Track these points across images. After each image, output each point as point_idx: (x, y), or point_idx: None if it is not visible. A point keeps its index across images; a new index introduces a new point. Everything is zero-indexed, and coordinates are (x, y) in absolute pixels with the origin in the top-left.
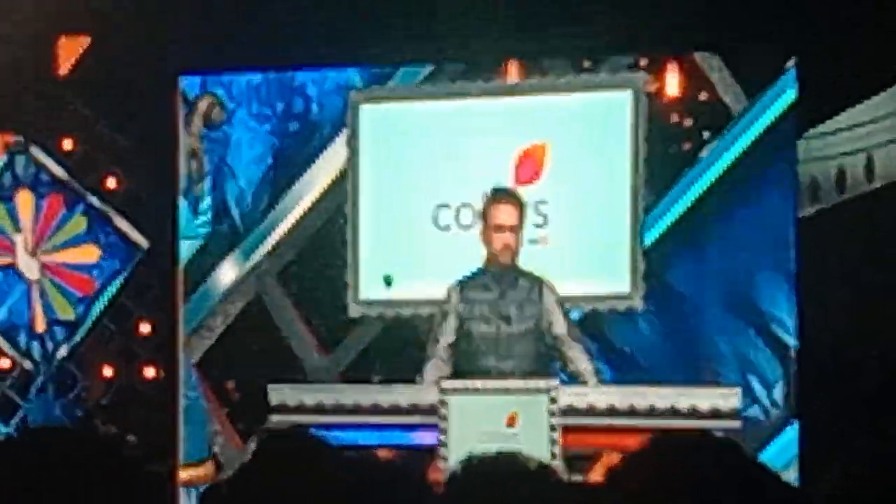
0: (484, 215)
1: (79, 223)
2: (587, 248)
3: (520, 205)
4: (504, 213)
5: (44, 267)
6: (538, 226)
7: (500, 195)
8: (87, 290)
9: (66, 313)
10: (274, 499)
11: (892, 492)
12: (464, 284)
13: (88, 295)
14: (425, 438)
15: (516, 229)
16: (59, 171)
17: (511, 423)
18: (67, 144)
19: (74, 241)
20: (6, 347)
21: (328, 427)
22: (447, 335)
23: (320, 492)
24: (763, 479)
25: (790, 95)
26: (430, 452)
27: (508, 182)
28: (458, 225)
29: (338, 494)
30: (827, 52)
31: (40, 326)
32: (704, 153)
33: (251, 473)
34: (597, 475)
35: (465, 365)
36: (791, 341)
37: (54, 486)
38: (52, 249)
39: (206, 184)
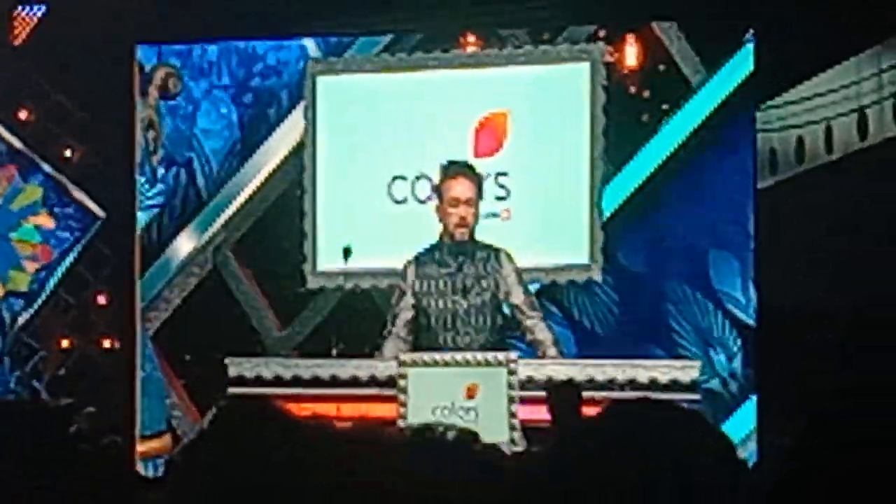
0: (439, 190)
1: (34, 193)
2: (546, 220)
3: (476, 178)
4: (459, 188)
5: None
6: (500, 198)
7: (454, 169)
8: (43, 261)
9: (23, 284)
10: (232, 466)
11: (852, 464)
12: (419, 260)
13: (45, 266)
14: (384, 411)
15: (472, 203)
16: (14, 141)
17: (471, 395)
18: (23, 114)
19: (30, 212)
20: None
21: (287, 399)
22: (405, 312)
23: (278, 460)
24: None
25: (748, 66)
26: (390, 425)
27: (468, 154)
28: (415, 197)
29: (296, 463)
30: (785, 23)
31: None
32: (663, 125)
33: (206, 442)
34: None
35: (423, 341)
36: (750, 313)
37: (9, 459)
38: (7, 219)
39: (163, 155)
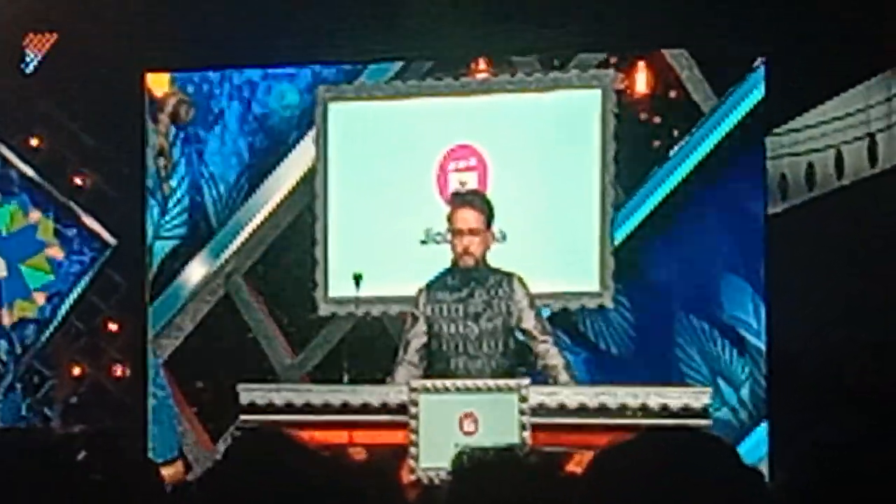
0: (448, 219)
1: (46, 221)
2: (557, 246)
3: (483, 207)
4: (464, 217)
5: (11, 264)
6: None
7: (460, 200)
8: (55, 289)
9: (35, 311)
10: (245, 497)
11: (861, 491)
12: (431, 286)
13: (56, 293)
14: (396, 438)
15: (478, 232)
16: (26, 169)
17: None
18: (34, 141)
19: (42, 239)
20: None
21: (299, 426)
22: (417, 338)
23: (291, 490)
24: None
25: (759, 93)
26: (401, 452)
27: (476, 181)
28: (425, 225)
29: (309, 493)
30: (795, 49)
31: (8, 324)
32: (674, 151)
33: (222, 471)
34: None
35: (435, 367)
36: (759, 342)
37: (21, 487)
38: (18, 247)
39: (175, 182)
